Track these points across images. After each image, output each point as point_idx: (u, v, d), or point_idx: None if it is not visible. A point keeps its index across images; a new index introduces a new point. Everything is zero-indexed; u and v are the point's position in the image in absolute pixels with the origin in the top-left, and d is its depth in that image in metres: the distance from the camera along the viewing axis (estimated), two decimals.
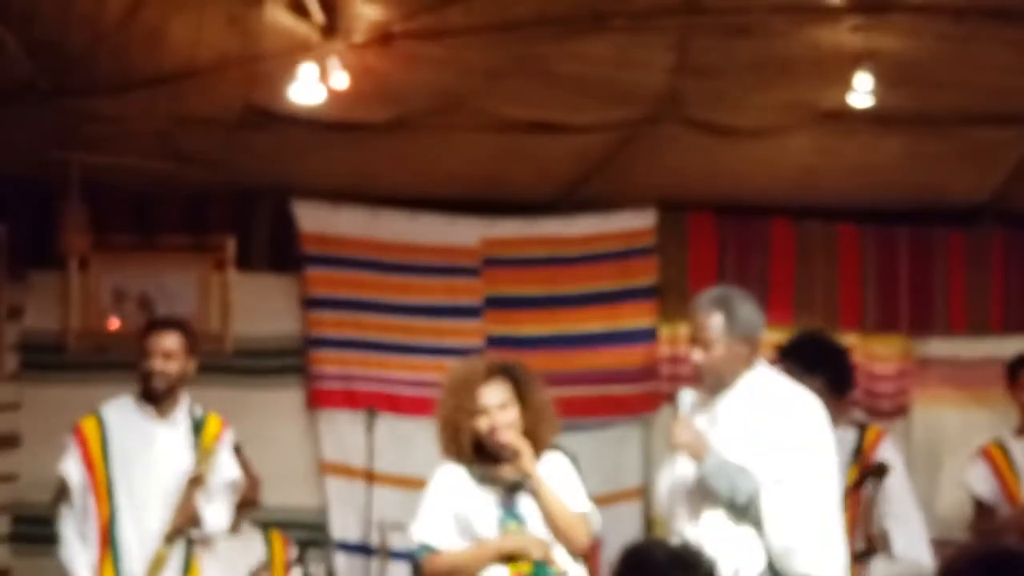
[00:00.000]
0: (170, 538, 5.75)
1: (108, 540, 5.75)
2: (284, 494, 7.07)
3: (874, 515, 6.15)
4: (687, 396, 5.02)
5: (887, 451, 6.34)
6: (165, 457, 5.83)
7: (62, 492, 5.85)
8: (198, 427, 5.91)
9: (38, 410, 6.95)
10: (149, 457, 5.82)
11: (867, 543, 6.16)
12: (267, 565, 6.65)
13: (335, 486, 7.23)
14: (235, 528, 6.67)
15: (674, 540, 4.36)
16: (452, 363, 5.59)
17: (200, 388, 7.00)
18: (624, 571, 3.54)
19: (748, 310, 5.08)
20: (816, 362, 5.71)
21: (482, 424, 5.11)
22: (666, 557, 3.49)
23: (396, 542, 6.65)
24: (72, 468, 5.82)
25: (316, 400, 7.30)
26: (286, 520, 7.02)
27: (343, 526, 7.17)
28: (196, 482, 5.78)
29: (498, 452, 5.12)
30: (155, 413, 5.86)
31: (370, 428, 6.88)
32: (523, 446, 5.09)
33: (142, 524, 5.76)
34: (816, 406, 5.07)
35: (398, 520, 6.56)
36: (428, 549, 5.10)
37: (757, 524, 4.96)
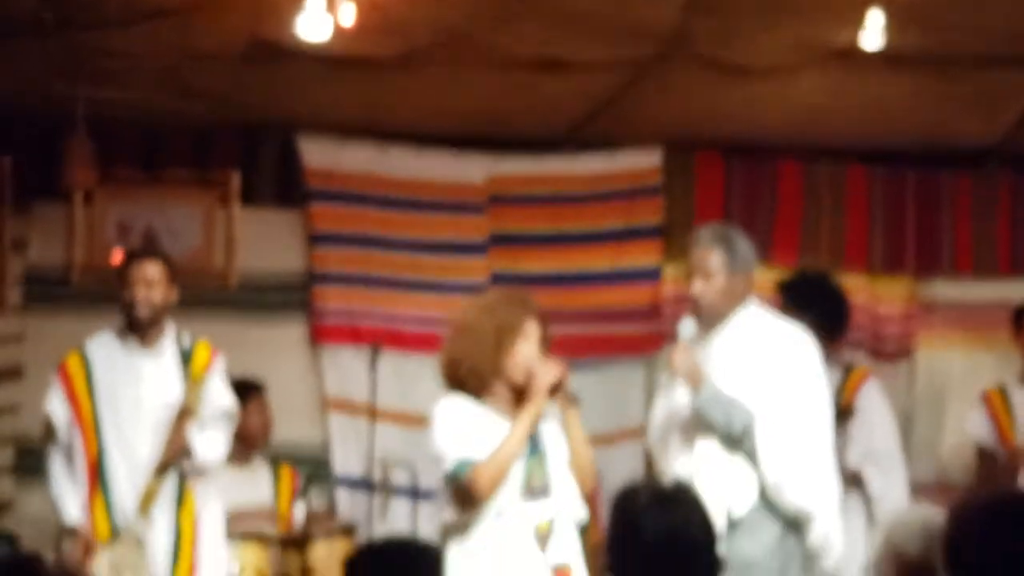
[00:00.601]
0: (160, 471, 5.71)
1: (97, 476, 5.72)
2: (287, 429, 7.07)
3: (856, 453, 6.25)
4: (688, 325, 5.10)
5: (869, 394, 6.42)
6: (152, 388, 5.78)
7: (48, 431, 5.83)
8: (186, 356, 5.86)
9: (41, 342, 6.95)
10: (136, 390, 5.78)
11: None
12: (275, 498, 6.69)
13: (338, 422, 7.25)
14: (246, 463, 6.71)
15: (665, 477, 4.40)
16: (494, 290, 5.54)
17: (204, 323, 7.02)
18: (613, 511, 3.58)
19: (745, 247, 5.21)
20: (811, 301, 5.75)
21: (525, 350, 5.07)
22: (648, 497, 3.51)
23: (398, 478, 6.67)
24: (56, 406, 5.80)
25: (320, 336, 7.30)
26: (289, 455, 7.04)
27: (345, 461, 7.19)
28: (185, 413, 5.73)
29: (525, 383, 5.09)
30: (139, 344, 5.81)
31: (374, 364, 6.88)
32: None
33: (132, 458, 5.72)
34: (810, 343, 5.18)
35: (400, 456, 6.58)
36: (469, 464, 5.00)
37: (751, 456, 5.02)
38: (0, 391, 7.15)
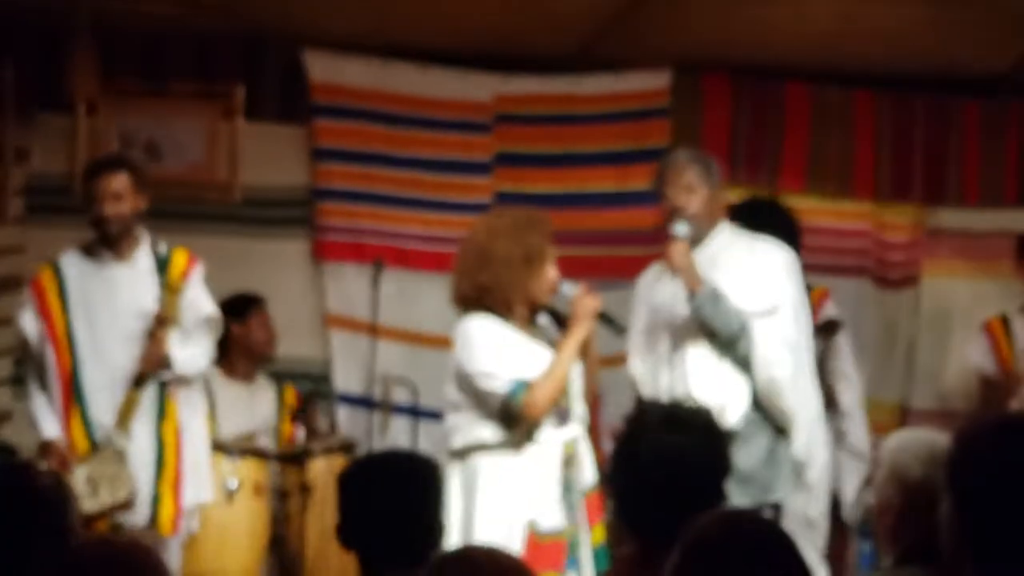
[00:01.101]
0: (138, 382, 5.65)
1: (72, 390, 5.66)
2: (288, 345, 7.05)
3: (826, 370, 6.32)
4: (683, 226, 5.14)
5: (830, 311, 6.48)
6: (127, 299, 5.71)
7: (24, 347, 5.79)
8: (162, 264, 5.78)
9: (42, 254, 6.85)
10: (110, 301, 5.71)
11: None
12: (278, 417, 6.69)
13: (339, 339, 7.22)
14: (250, 379, 6.71)
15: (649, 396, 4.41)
16: (503, 209, 5.54)
17: (206, 237, 7.03)
18: (623, 434, 3.58)
19: (717, 166, 5.41)
20: (762, 225, 5.73)
21: (552, 273, 5.11)
22: (660, 417, 3.51)
23: (399, 396, 6.67)
24: (28, 321, 5.74)
25: (322, 252, 7.26)
26: (290, 371, 7.04)
27: (346, 379, 7.18)
28: (162, 322, 5.65)
29: (548, 303, 5.12)
30: (112, 256, 5.74)
31: (376, 281, 6.85)
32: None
33: (108, 371, 5.66)
34: (789, 251, 5.28)
35: (401, 374, 6.58)
36: (525, 385, 5.01)
37: (743, 361, 5.08)
38: (0, 302, 7.12)
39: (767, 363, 5.14)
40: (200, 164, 7.15)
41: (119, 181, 5.69)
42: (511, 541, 4.86)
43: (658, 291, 5.35)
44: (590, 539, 5.07)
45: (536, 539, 4.94)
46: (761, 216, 5.98)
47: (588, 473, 5.09)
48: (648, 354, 5.29)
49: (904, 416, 7.46)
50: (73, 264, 5.77)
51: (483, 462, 5.02)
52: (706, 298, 5.11)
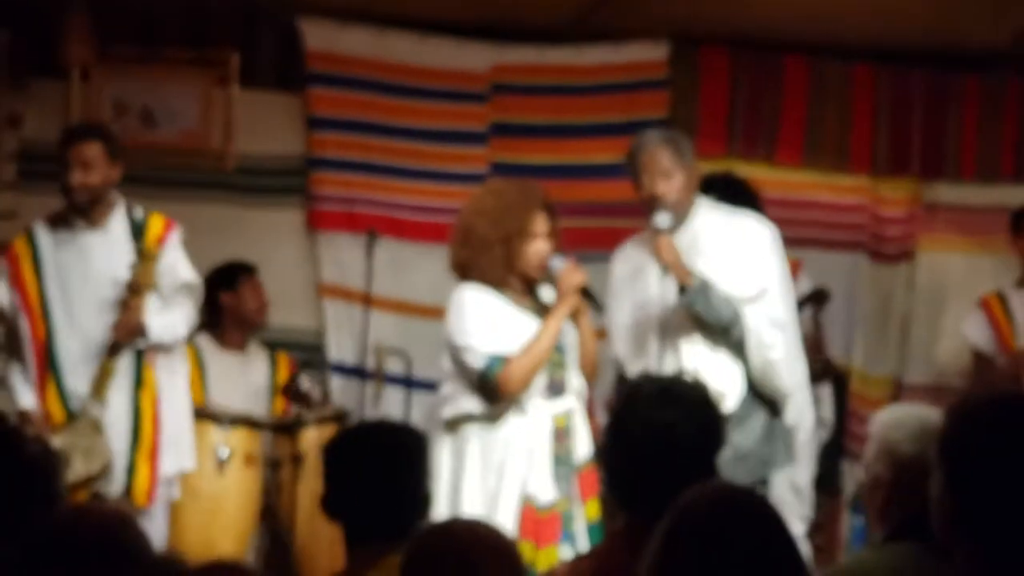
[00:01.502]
0: (113, 351, 5.59)
1: (47, 359, 5.60)
2: (282, 314, 7.04)
3: (821, 338, 6.38)
4: (665, 217, 5.09)
5: (804, 284, 6.53)
6: (101, 266, 5.64)
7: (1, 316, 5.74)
8: (138, 230, 5.70)
9: (35, 220, 6.89)
10: (84, 269, 5.65)
11: (823, 365, 6.41)
12: (270, 385, 6.68)
13: (333, 308, 7.21)
14: (242, 348, 6.69)
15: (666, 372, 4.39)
16: (497, 182, 5.53)
17: (200, 204, 7.02)
18: (618, 407, 3.58)
19: (688, 144, 5.32)
20: (728, 201, 5.69)
21: (535, 248, 5.09)
22: (653, 391, 3.50)
23: (392, 366, 6.67)
24: (1, 291, 5.69)
25: (317, 221, 7.24)
26: (283, 340, 7.02)
27: (339, 349, 7.17)
28: (138, 288, 5.58)
29: (541, 277, 5.11)
30: (85, 223, 5.67)
31: (370, 251, 6.84)
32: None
33: (83, 339, 5.60)
34: (770, 227, 5.25)
35: (395, 345, 6.57)
36: (501, 360, 5.02)
37: (736, 346, 5.07)
38: None
39: (761, 346, 5.13)
40: (194, 131, 7.12)
41: (91, 150, 5.60)
42: (499, 513, 4.88)
43: (641, 286, 5.28)
44: (584, 513, 5.06)
45: (533, 512, 4.95)
46: (723, 193, 5.96)
47: (583, 447, 5.09)
48: (637, 354, 5.21)
49: (898, 391, 7.46)
50: (46, 232, 5.71)
51: (472, 433, 5.03)
52: (698, 292, 5.06)
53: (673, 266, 5.07)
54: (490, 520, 2.82)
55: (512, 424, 5.01)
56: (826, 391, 6.78)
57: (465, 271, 5.15)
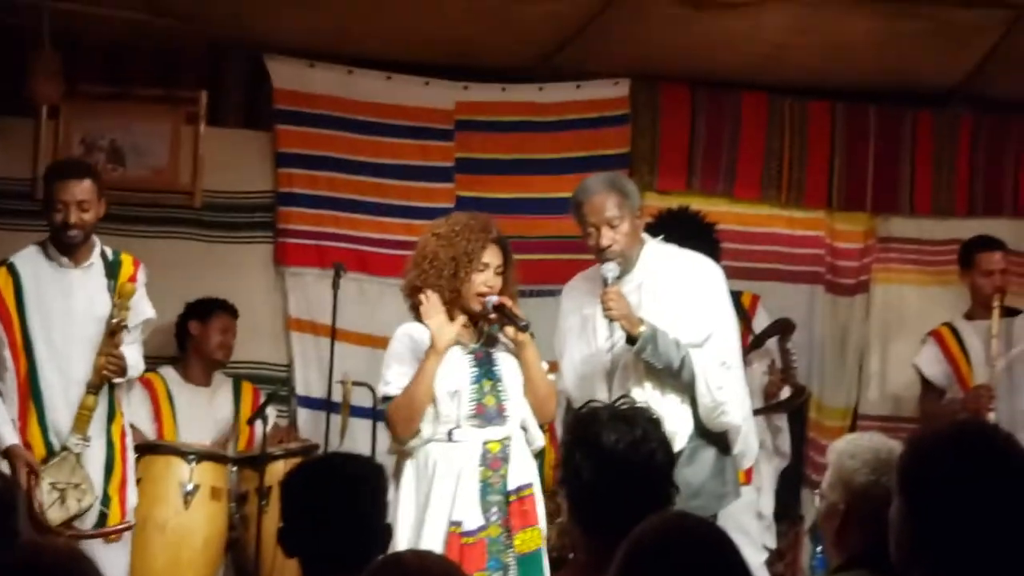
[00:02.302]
0: (96, 386, 5.63)
1: (29, 393, 5.62)
2: (251, 349, 7.12)
3: (789, 368, 6.47)
4: (613, 268, 5.10)
5: (763, 316, 6.61)
6: (83, 303, 5.69)
7: None
8: (113, 269, 5.77)
9: (3, 256, 6.93)
10: (67, 305, 5.68)
11: (794, 390, 6.51)
12: (235, 416, 6.73)
13: (300, 342, 7.27)
14: (207, 382, 6.74)
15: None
16: (457, 213, 5.56)
17: (169, 241, 7.08)
18: (572, 430, 3.61)
19: (633, 186, 5.31)
20: (685, 236, 5.76)
21: (482, 279, 5.13)
22: (609, 414, 3.54)
23: (358, 399, 6.72)
24: None
25: (284, 256, 7.30)
26: (252, 375, 7.08)
27: (307, 382, 7.22)
28: (118, 327, 5.62)
29: (483, 310, 5.14)
30: (69, 261, 5.72)
31: (336, 285, 6.90)
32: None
33: (65, 374, 5.63)
34: (716, 268, 5.26)
35: (362, 378, 6.62)
36: (391, 400, 5.13)
37: (686, 390, 5.09)
38: None
39: (711, 389, 5.15)
40: (163, 169, 7.18)
41: (84, 188, 5.66)
42: (424, 540, 4.95)
43: (591, 327, 5.27)
44: (518, 541, 5.09)
45: (458, 539, 5.00)
46: (680, 228, 6.03)
47: (520, 475, 5.12)
48: (586, 394, 5.11)
49: (855, 421, 7.54)
50: (29, 265, 5.73)
51: (407, 461, 5.12)
52: (647, 341, 5.06)
53: (621, 319, 5.07)
54: (437, 552, 2.85)
55: (440, 451, 5.07)
56: (784, 421, 6.87)
57: (413, 292, 5.21)
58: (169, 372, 6.69)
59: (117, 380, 5.71)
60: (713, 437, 5.23)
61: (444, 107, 7.47)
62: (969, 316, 6.93)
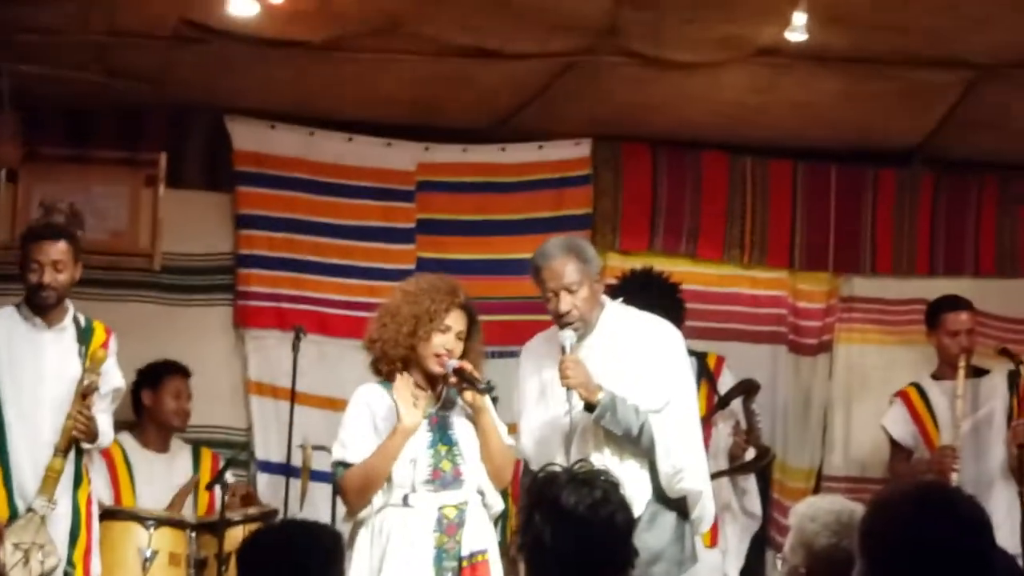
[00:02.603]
0: (63, 449, 5.63)
1: None
2: (211, 413, 7.08)
3: (754, 428, 6.47)
4: (570, 335, 5.09)
5: (728, 378, 6.61)
6: (54, 366, 5.71)
7: None
8: (85, 335, 5.80)
9: None
10: (39, 367, 5.70)
11: (759, 451, 6.51)
12: (195, 482, 6.67)
13: (260, 406, 7.23)
14: (164, 448, 6.69)
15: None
16: (426, 274, 5.54)
17: (128, 304, 7.04)
18: (531, 493, 3.59)
19: (592, 250, 5.28)
20: (649, 298, 5.75)
21: (441, 341, 5.11)
22: (568, 477, 3.53)
23: (319, 463, 6.68)
24: None
25: (244, 319, 7.27)
26: (211, 439, 7.03)
27: (267, 446, 7.17)
28: (89, 392, 5.64)
29: (441, 372, 5.12)
30: (42, 322, 5.75)
31: (296, 348, 6.87)
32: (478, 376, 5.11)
33: (33, 437, 5.64)
34: (675, 332, 5.26)
35: (322, 441, 6.58)
36: (345, 466, 5.10)
37: (645, 455, 5.07)
38: None
39: (669, 454, 5.12)
40: (122, 232, 7.15)
41: (60, 250, 5.72)
42: None
43: (550, 392, 5.23)
44: None
45: None
46: (644, 289, 6.03)
47: (476, 540, 5.08)
48: (544, 458, 5.09)
49: (818, 482, 7.53)
50: (2, 324, 5.75)
51: (361, 525, 5.08)
52: (606, 408, 5.04)
53: (578, 387, 5.04)
54: None
55: (394, 516, 5.03)
56: (751, 483, 6.85)
57: (373, 346, 5.18)
58: (126, 438, 6.63)
59: (86, 445, 5.71)
60: (672, 502, 5.21)
61: (406, 168, 7.47)
62: (936, 376, 6.92)
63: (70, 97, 7.10)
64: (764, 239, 7.65)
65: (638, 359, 5.17)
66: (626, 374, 5.13)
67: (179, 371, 6.77)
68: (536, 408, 5.28)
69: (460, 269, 7.07)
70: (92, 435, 5.69)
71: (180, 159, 7.33)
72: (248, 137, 7.32)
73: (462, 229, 7.49)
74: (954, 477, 6.46)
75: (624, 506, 3.51)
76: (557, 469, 3.60)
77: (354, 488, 5.07)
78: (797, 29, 6.02)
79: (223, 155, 7.34)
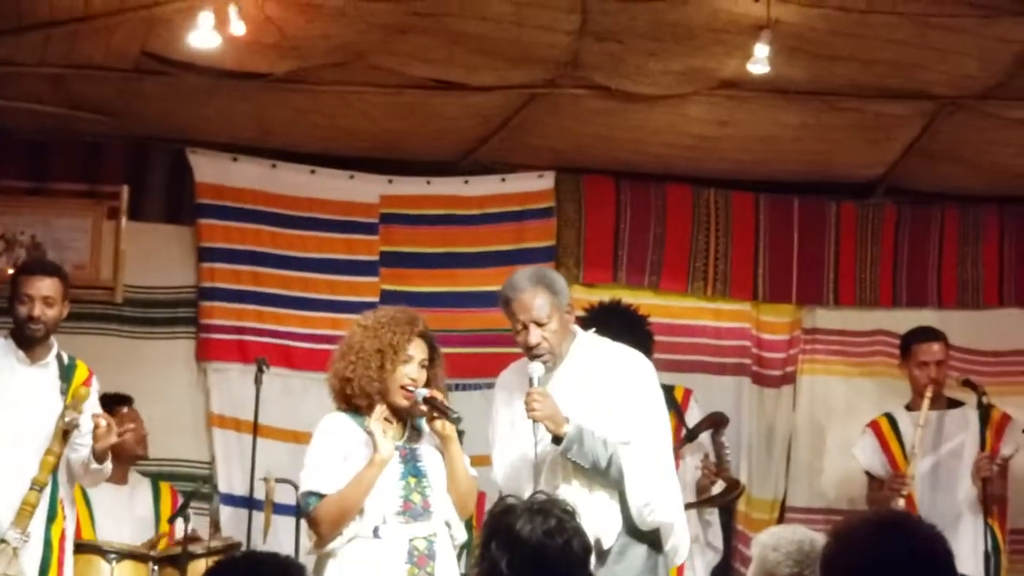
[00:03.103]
0: (40, 484, 5.61)
1: None
2: (174, 446, 7.04)
3: (722, 460, 6.47)
4: (539, 368, 5.08)
5: (695, 411, 6.62)
6: (36, 402, 5.70)
7: None
8: (67, 372, 5.81)
9: None
10: (20, 402, 5.70)
11: (728, 484, 6.50)
12: (155, 516, 6.63)
13: (223, 439, 7.20)
14: (124, 480, 6.65)
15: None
16: (384, 307, 5.52)
17: (90, 337, 7.00)
18: (487, 524, 3.59)
19: (562, 281, 5.24)
20: (617, 330, 5.74)
21: (405, 371, 5.10)
22: (525, 506, 3.53)
23: (282, 496, 6.65)
24: None
25: (207, 352, 7.25)
26: (173, 472, 7.01)
27: (229, 479, 7.14)
28: (71, 426, 5.65)
29: (411, 403, 5.10)
30: (26, 357, 5.76)
31: (258, 381, 6.84)
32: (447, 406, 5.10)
33: (10, 469, 5.61)
34: (647, 363, 5.25)
35: (285, 474, 6.56)
36: (317, 496, 5.05)
37: (615, 484, 5.05)
38: None
39: (640, 488, 5.07)
40: (84, 264, 7.13)
41: (51, 285, 5.76)
42: None
43: (520, 423, 5.16)
44: None
45: None
46: (612, 321, 6.03)
47: (447, 571, 5.07)
48: (514, 490, 4.99)
49: (783, 513, 7.54)
50: None
51: (329, 560, 5.05)
52: (572, 441, 5.00)
53: (545, 420, 5.00)
54: None
55: (364, 548, 5.01)
56: (714, 516, 6.84)
57: (342, 387, 5.16)
58: None
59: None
60: (644, 534, 5.17)
61: (369, 200, 7.47)
62: (909, 407, 6.93)
63: (31, 129, 7.09)
64: (727, 271, 7.67)
65: (609, 390, 5.15)
66: (596, 405, 5.11)
67: (123, 400, 6.72)
68: (507, 440, 5.26)
69: (424, 302, 7.07)
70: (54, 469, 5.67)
71: (142, 191, 7.31)
72: (210, 169, 7.31)
73: (425, 262, 7.49)
74: (900, 503, 6.48)
75: (580, 533, 3.51)
76: (513, 501, 3.59)
77: (328, 519, 5.03)
78: (759, 61, 6.04)
79: (185, 187, 7.33)
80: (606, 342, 5.31)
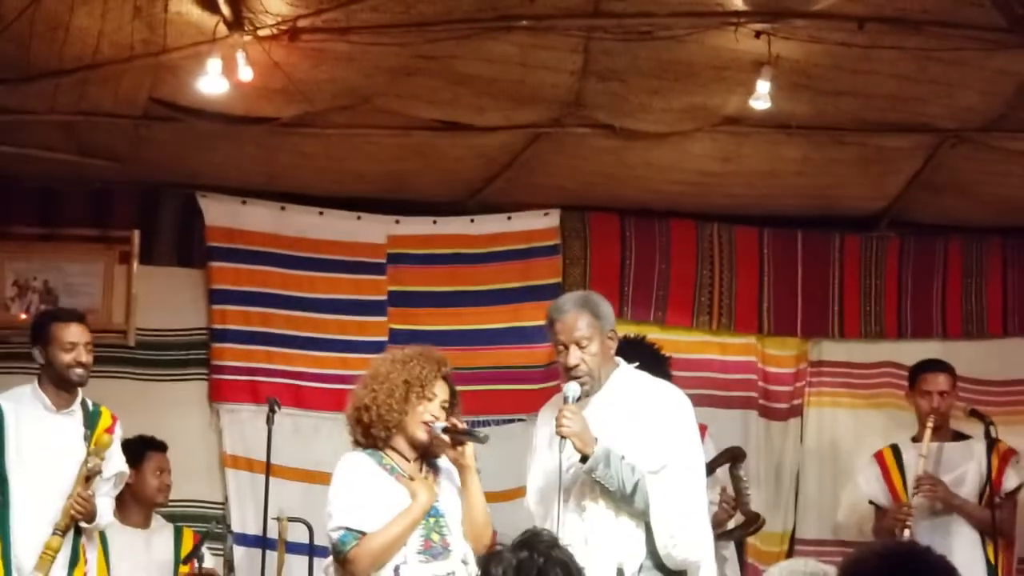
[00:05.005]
0: (63, 529, 5.69)
1: None
2: (187, 487, 7.07)
3: (741, 494, 6.45)
4: (574, 387, 5.10)
5: (709, 446, 6.62)
6: (62, 448, 5.79)
7: None
8: (92, 419, 5.89)
9: None
10: (47, 448, 5.78)
11: (747, 518, 6.48)
12: (175, 560, 6.66)
13: (236, 479, 7.24)
14: (145, 525, 6.68)
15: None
16: (413, 346, 5.54)
17: (103, 380, 7.02)
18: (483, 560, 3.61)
19: (606, 305, 5.26)
20: (642, 366, 5.76)
21: (428, 409, 5.12)
22: (508, 548, 3.55)
23: (295, 535, 6.67)
24: None
25: (219, 393, 7.30)
26: (187, 513, 7.04)
27: (243, 519, 7.18)
28: (92, 474, 5.73)
29: (429, 437, 5.12)
30: (53, 404, 5.84)
31: (270, 421, 6.87)
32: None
33: (35, 514, 5.70)
34: (684, 398, 5.23)
35: (297, 514, 6.58)
36: (357, 534, 5.03)
37: (640, 514, 5.05)
38: None
39: (667, 519, 5.06)
40: (96, 308, 7.17)
41: (87, 332, 5.86)
42: None
43: (550, 454, 5.19)
44: None
45: None
46: (637, 357, 6.05)
47: None
48: (545, 515, 5.12)
49: (792, 546, 7.55)
50: (14, 404, 5.83)
51: None
52: (598, 460, 5.02)
53: (572, 436, 5.03)
54: None
55: None
56: (730, 551, 6.84)
57: (361, 415, 5.16)
58: None
59: (84, 524, 5.77)
60: (669, 570, 5.16)
61: (376, 241, 7.52)
62: (915, 438, 6.92)
63: (41, 176, 7.15)
64: (732, 305, 7.70)
65: (643, 421, 5.15)
66: (630, 434, 5.12)
67: (158, 447, 6.77)
68: (545, 458, 5.28)
69: (431, 340, 7.07)
70: (90, 516, 5.76)
71: (152, 236, 7.38)
72: (219, 213, 7.37)
73: (433, 300, 7.53)
74: (906, 534, 6.48)
75: (561, 563, 3.52)
76: (500, 547, 3.61)
77: (369, 557, 4.98)
78: (761, 97, 6.07)
79: (195, 231, 7.39)
80: (647, 377, 5.31)
